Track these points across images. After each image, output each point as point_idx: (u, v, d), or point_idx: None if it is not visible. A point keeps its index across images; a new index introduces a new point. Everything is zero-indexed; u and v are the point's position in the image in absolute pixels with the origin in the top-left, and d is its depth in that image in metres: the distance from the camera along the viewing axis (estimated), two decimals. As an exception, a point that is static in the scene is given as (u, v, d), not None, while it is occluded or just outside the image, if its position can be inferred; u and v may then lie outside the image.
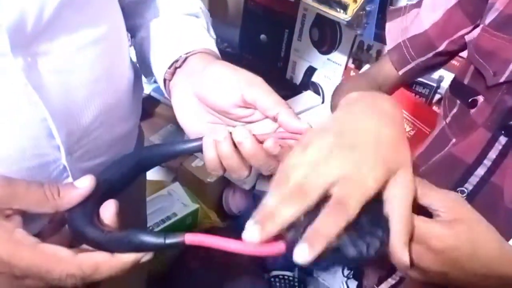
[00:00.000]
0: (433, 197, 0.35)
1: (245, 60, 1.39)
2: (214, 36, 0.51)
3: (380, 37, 1.08)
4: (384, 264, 0.44)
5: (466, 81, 0.53)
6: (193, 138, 0.41)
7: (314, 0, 1.01)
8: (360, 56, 1.17)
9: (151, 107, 1.59)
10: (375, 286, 0.61)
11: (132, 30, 0.52)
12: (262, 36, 1.32)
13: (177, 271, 1.24)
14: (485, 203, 0.49)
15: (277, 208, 0.29)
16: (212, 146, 0.38)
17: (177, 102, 0.43)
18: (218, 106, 0.40)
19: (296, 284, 1.30)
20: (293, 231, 0.30)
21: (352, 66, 1.20)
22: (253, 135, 0.37)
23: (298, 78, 1.32)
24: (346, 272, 1.22)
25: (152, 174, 1.49)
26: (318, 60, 1.25)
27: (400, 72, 0.61)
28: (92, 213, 0.34)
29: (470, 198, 0.50)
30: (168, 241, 0.32)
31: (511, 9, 0.47)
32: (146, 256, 0.33)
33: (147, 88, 1.36)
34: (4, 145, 0.37)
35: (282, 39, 1.30)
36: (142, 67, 0.53)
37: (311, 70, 1.28)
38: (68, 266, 0.31)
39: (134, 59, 0.55)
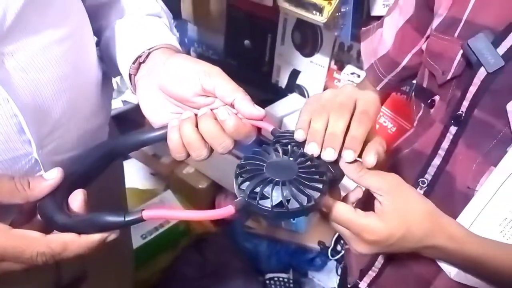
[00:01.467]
0: (371, 179, 0.40)
1: (231, 66, 1.41)
2: (177, 34, 0.54)
3: (357, 37, 1.10)
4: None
5: (425, 84, 0.57)
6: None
7: (291, 4, 1.03)
8: (341, 57, 1.19)
9: (140, 117, 1.60)
10: (357, 281, 0.62)
11: (98, 31, 0.54)
12: (246, 42, 1.34)
13: (169, 278, 1.25)
14: (443, 191, 0.52)
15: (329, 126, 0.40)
16: (176, 129, 0.41)
17: (142, 95, 0.45)
18: (180, 96, 0.42)
19: (292, 285, 1.31)
20: (242, 196, 0.36)
21: (335, 67, 1.22)
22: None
23: (283, 81, 1.34)
24: (340, 271, 1.23)
25: (144, 183, 1.51)
26: (301, 63, 1.27)
27: (378, 88, 0.68)
28: (62, 202, 0.37)
29: (430, 187, 0.53)
30: (127, 218, 0.35)
31: (452, 13, 0.51)
32: (111, 235, 0.36)
33: (135, 98, 1.38)
34: None
35: (265, 44, 1.32)
36: (110, 67, 0.55)
37: (295, 73, 1.30)
38: (38, 245, 0.34)
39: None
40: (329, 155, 0.40)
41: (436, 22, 0.54)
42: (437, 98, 0.55)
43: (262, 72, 1.36)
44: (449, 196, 0.50)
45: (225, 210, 0.35)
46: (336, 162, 0.40)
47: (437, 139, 0.52)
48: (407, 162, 0.57)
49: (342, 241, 1.26)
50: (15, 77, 0.40)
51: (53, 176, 0.37)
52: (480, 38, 0.46)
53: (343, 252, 1.24)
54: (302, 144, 0.41)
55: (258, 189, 0.36)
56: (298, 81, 1.30)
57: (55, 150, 0.46)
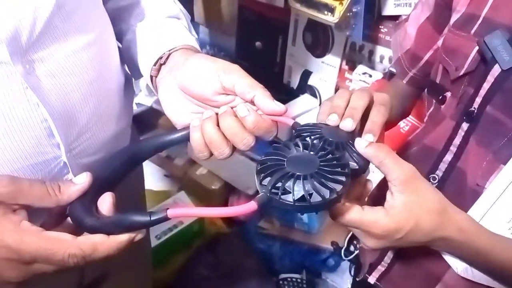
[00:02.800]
0: (390, 167, 0.41)
1: (242, 67, 1.41)
2: (196, 35, 0.54)
3: (368, 37, 1.11)
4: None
5: (438, 80, 0.57)
6: (180, 128, 0.45)
7: (303, 5, 1.04)
8: (353, 57, 1.19)
9: (154, 119, 1.62)
10: (366, 275, 0.63)
11: (119, 35, 0.55)
12: (258, 43, 1.35)
13: (184, 278, 1.26)
14: (453, 187, 0.52)
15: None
16: (198, 129, 0.41)
17: (163, 96, 0.46)
18: (200, 95, 0.43)
19: (305, 286, 1.31)
20: (264, 192, 0.36)
21: (346, 67, 1.22)
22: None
23: (295, 82, 1.34)
24: (353, 272, 1.23)
25: (158, 184, 1.52)
26: (313, 63, 1.28)
27: (404, 81, 0.68)
28: (90, 205, 0.38)
29: (441, 183, 0.54)
30: (153, 217, 0.36)
31: (469, 9, 0.52)
32: (139, 234, 0.37)
33: (149, 101, 1.40)
34: (8, 146, 0.41)
35: (277, 45, 1.33)
36: (131, 69, 0.57)
37: (306, 74, 1.31)
38: (69, 247, 0.35)
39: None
40: (347, 124, 0.42)
41: (454, 18, 0.54)
42: (448, 94, 0.55)
43: (273, 73, 1.37)
44: (460, 193, 0.51)
45: (248, 206, 0.35)
46: (358, 152, 0.41)
47: (449, 135, 0.52)
48: (418, 158, 0.57)
49: (355, 242, 1.26)
50: (45, 83, 0.41)
51: (82, 181, 0.39)
52: (496, 35, 0.46)
53: (356, 252, 1.24)
54: (322, 137, 0.42)
55: (279, 184, 0.36)
56: (310, 82, 1.31)
57: (82, 153, 0.47)
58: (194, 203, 1.40)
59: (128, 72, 0.58)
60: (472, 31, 0.51)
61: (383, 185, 0.44)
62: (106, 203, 0.38)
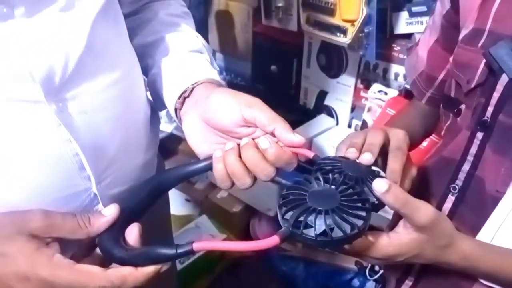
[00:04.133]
0: (407, 215, 0.42)
1: (259, 91, 1.45)
2: (217, 68, 0.57)
3: (382, 56, 1.12)
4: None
5: (452, 94, 0.59)
6: (203, 158, 0.47)
7: (316, 28, 1.06)
8: (367, 76, 1.20)
9: (174, 145, 1.65)
10: None
11: (145, 70, 0.58)
12: (273, 67, 1.38)
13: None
14: (474, 196, 0.53)
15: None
16: (220, 160, 0.43)
17: (187, 128, 0.48)
18: (223, 126, 0.45)
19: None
20: (286, 226, 0.37)
21: (361, 86, 1.23)
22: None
23: (311, 103, 1.36)
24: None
25: (180, 209, 1.54)
26: (328, 84, 1.29)
27: (423, 102, 0.70)
28: (118, 236, 0.40)
29: (461, 193, 0.54)
30: (179, 251, 0.37)
31: (476, 24, 0.54)
32: (165, 266, 0.39)
33: (169, 127, 1.43)
34: (42, 180, 0.43)
35: (291, 68, 1.35)
36: (156, 101, 0.59)
37: (322, 94, 1.32)
38: (100, 279, 0.37)
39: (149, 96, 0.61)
40: (366, 158, 0.44)
41: (462, 34, 0.56)
42: (463, 106, 0.56)
43: (289, 95, 1.39)
44: (480, 201, 0.51)
45: (271, 241, 0.36)
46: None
47: (465, 145, 0.53)
48: (437, 170, 0.59)
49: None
50: (77, 119, 0.44)
51: (110, 212, 0.41)
52: (501, 46, 0.48)
53: (381, 272, 1.22)
54: (342, 171, 0.43)
55: (301, 218, 0.37)
56: (326, 102, 1.32)
57: (111, 184, 0.49)
58: (215, 227, 1.41)
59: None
60: (479, 45, 0.52)
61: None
62: (133, 234, 0.40)
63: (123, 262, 0.38)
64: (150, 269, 0.38)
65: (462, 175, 0.54)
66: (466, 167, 0.53)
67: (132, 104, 0.51)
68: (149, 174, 0.59)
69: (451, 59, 0.60)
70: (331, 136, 1.26)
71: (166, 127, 1.42)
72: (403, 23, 1.07)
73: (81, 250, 0.41)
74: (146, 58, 0.57)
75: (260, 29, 1.36)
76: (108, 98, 0.47)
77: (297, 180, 0.41)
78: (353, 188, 0.40)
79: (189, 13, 0.64)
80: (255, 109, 0.43)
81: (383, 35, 1.08)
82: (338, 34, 1.00)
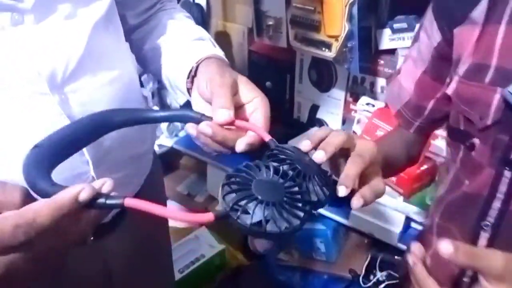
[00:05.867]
0: (484, 260, 0.41)
1: (255, 106, 1.51)
2: (222, 52, 0.59)
3: (369, 70, 1.19)
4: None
5: (462, 127, 0.58)
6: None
7: (303, 44, 1.13)
8: (356, 89, 1.27)
9: (175, 160, 1.71)
10: None
11: (158, 70, 0.63)
12: (268, 83, 1.45)
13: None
14: (509, 232, 0.54)
15: None
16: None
17: (193, 103, 0.52)
18: (207, 100, 0.49)
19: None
20: (224, 207, 0.37)
21: (351, 99, 1.29)
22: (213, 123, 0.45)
23: (304, 116, 1.42)
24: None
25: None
26: (319, 98, 1.36)
27: (411, 131, 0.68)
28: (48, 169, 0.38)
29: (495, 230, 0.55)
30: (108, 201, 0.35)
31: (476, 59, 0.53)
32: (83, 194, 0.33)
33: (169, 142, 1.49)
34: None
35: (285, 84, 1.42)
36: (177, 94, 0.63)
37: (314, 108, 1.38)
38: (10, 220, 0.32)
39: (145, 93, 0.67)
40: (319, 156, 0.42)
41: (462, 68, 0.55)
42: (476, 141, 0.55)
43: (284, 110, 1.45)
44: None
45: (206, 217, 0.36)
46: (325, 187, 0.42)
47: (491, 182, 0.54)
48: (462, 206, 0.59)
49: (374, 270, 1.27)
50: (77, 110, 0.51)
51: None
52: None
53: (374, 280, 1.25)
54: (293, 164, 0.42)
55: (242, 203, 0.36)
56: (318, 115, 1.38)
57: (108, 169, 0.56)
58: (215, 238, 1.45)
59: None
60: (487, 80, 0.52)
61: None
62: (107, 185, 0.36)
63: (46, 195, 0.34)
64: (65, 194, 0.33)
65: (493, 212, 0.54)
66: (496, 204, 0.54)
67: (127, 102, 0.57)
68: (144, 166, 0.66)
69: (448, 92, 0.58)
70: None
71: (166, 141, 1.48)
72: (387, 39, 1.13)
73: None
74: (158, 59, 0.63)
75: (255, 47, 1.44)
76: (105, 94, 0.54)
77: (247, 164, 0.40)
78: (300, 186, 0.40)
79: (190, 17, 0.69)
80: (213, 91, 0.46)
81: (369, 51, 1.15)
82: (323, 48, 1.07)
